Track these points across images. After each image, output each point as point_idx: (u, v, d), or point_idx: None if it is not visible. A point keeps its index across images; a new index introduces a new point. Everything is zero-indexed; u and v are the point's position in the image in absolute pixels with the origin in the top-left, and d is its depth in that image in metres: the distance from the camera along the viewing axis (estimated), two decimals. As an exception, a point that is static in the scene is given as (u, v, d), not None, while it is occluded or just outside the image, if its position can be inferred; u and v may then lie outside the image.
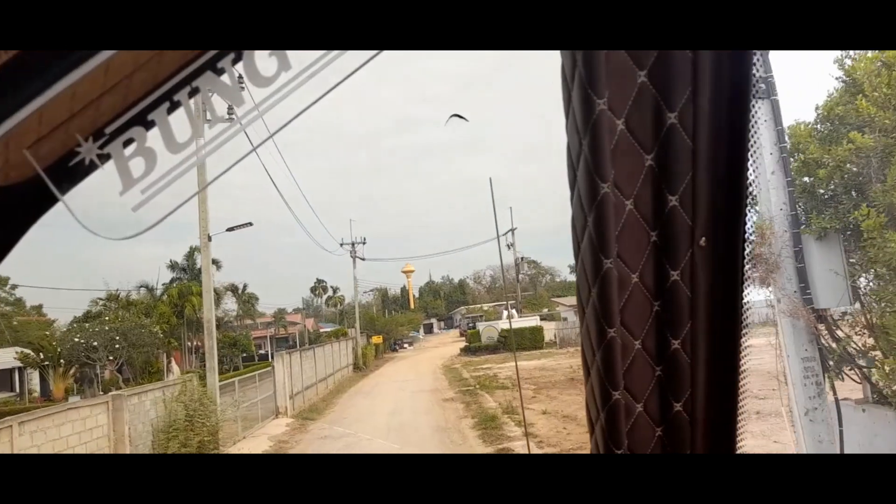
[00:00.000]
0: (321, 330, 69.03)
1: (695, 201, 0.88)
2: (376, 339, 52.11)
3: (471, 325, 61.16)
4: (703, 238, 0.88)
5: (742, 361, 0.95)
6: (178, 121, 0.83)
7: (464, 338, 55.99)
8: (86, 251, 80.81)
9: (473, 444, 14.16)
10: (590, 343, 0.96)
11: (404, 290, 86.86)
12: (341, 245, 44.18)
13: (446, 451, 14.32)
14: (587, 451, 1.05)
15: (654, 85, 0.87)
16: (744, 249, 0.90)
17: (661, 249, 0.91)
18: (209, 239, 15.03)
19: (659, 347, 0.93)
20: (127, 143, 0.81)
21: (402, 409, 21.76)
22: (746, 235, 0.91)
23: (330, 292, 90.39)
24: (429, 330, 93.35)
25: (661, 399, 0.95)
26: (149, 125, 0.82)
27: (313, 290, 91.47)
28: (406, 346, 63.88)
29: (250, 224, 17.29)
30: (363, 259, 45.13)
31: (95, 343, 32.22)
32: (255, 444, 17.50)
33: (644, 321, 0.93)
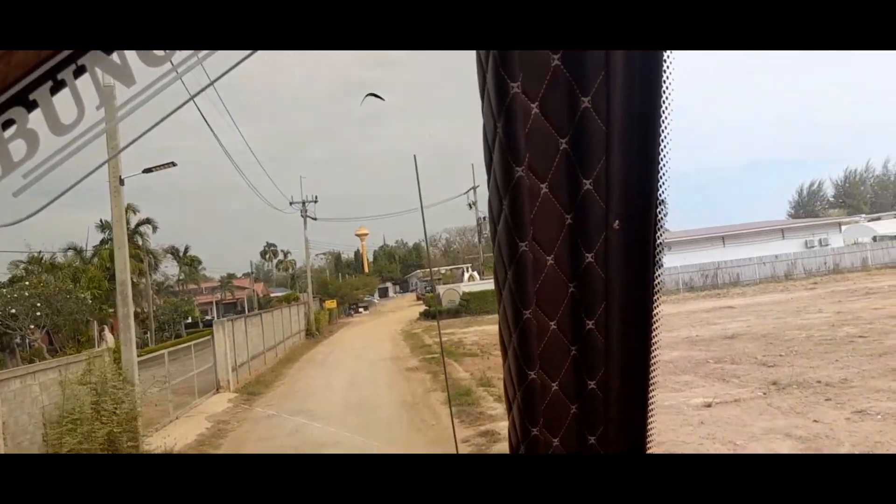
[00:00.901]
0: (272, 295, 66.13)
1: (609, 185, 0.89)
2: (330, 304, 49.51)
3: (429, 288, 59.06)
4: (617, 221, 0.89)
5: (654, 340, 0.98)
6: (64, 102, 0.80)
7: (421, 301, 53.92)
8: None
9: (449, 425, 11.96)
10: (507, 324, 0.99)
11: (358, 254, 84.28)
12: (291, 204, 41.13)
13: (417, 433, 12.10)
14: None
15: (567, 69, 0.87)
16: (656, 232, 0.92)
17: (576, 232, 0.92)
18: (121, 183, 12.25)
19: (574, 328, 0.96)
20: (6, 124, 0.81)
21: (360, 380, 19.42)
22: (659, 218, 0.92)
23: (281, 256, 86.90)
24: (384, 294, 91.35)
25: (576, 377, 0.98)
26: (31, 106, 0.82)
27: (263, 254, 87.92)
28: (361, 310, 61.55)
29: (173, 164, 14.51)
30: (314, 219, 42.17)
31: (14, 310, 28.97)
32: (189, 426, 14.93)
33: (559, 303, 0.95)
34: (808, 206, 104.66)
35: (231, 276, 65.52)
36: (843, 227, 43.67)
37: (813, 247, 41.40)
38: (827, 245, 41.37)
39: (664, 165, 0.90)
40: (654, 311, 0.97)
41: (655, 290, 0.96)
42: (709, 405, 11.07)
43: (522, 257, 0.93)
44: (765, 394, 11.44)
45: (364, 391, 17.32)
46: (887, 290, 26.77)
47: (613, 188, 0.89)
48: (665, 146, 0.91)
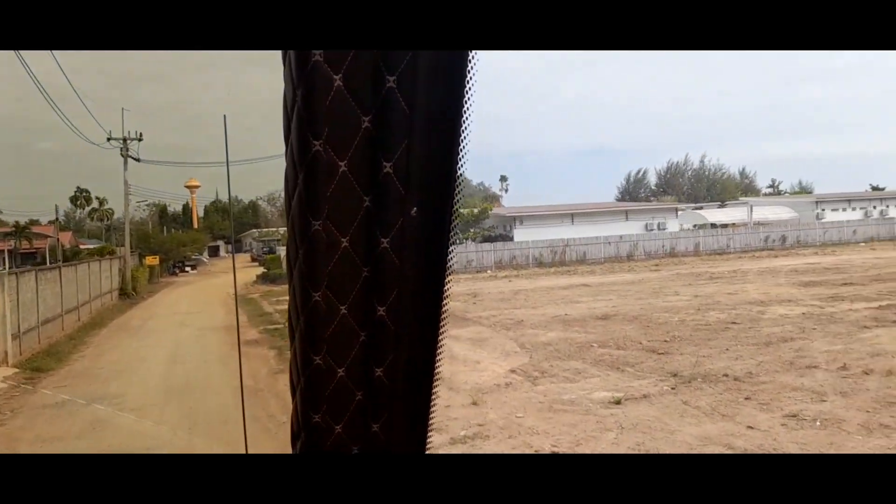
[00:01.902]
0: (82, 247, 57.93)
1: (409, 170, 0.88)
2: (151, 261, 43.79)
3: (267, 249, 54.68)
4: (415, 209, 0.88)
5: (442, 329, 0.97)
6: None
7: (258, 263, 49.63)
8: None
9: (305, 423, 9.41)
10: (295, 306, 0.96)
11: (187, 208, 76.67)
12: (109, 140, 35.05)
13: (265, 434, 9.39)
14: None
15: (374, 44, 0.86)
16: (451, 222, 0.92)
17: (373, 216, 0.90)
18: None
19: (365, 313, 0.94)
20: None
21: (185, 354, 16.06)
22: (456, 209, 0.92)
23: (95, 204, 76.73)
24: (214, 253, 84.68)
25: (364, 364, 0.96)
26: None
27: (74, 199, 77.10)
28: (188, 269, 55.74)
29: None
30: (138, 160, 36.33)
31: None
32: (-63, 417, 10.96)
33: (351, 287, 0.93)
34: (633, 193, 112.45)
35: (33, 223, 56.50)
36: (679, 213, 46.09)
37: (652, 230, 43.15)
38: (665, 229, 43.31)
39: (464, 154, 0.90)
40: (444, 301, 0.97)
41: (447, 280, 0.95)
42: (618, 402, 9.52)
43: (315, 236, 0.90)
44: (673, 388, 10.14)
45: (191, 370, 14.10)
46: (728, 275, 27.82)
47: (414, 174, 0.88)
48: (466, 135, 0.89)
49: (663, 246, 40.47)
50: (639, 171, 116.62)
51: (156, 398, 11.66)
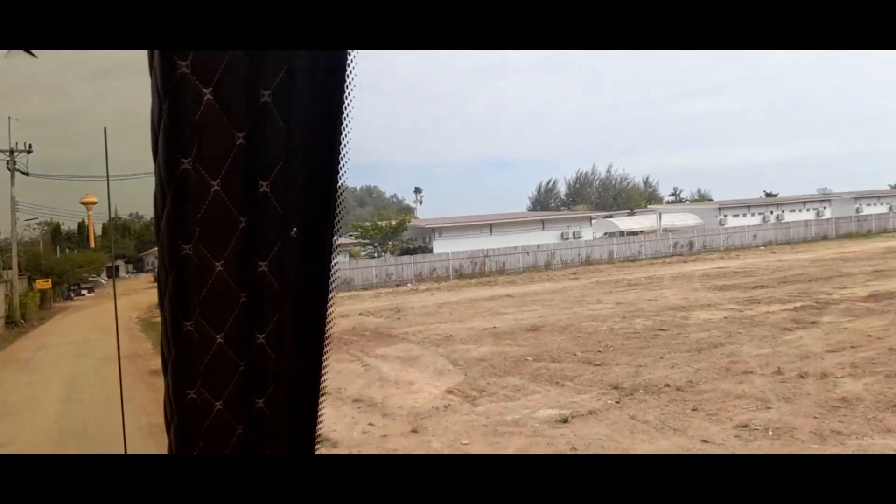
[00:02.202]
0: (-40, 271, 52.83)
1: (287, 188, 0.85)
2: (42, 284, 40.30)
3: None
4: (295, 229, 0.86)
5: (325, 354, 0.94)
6: None
7: (164, 283, 46.77)
8: None
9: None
10: (167, 336, 0.92)
11: (83, 226, 71.87)
12: (-10, 153, 31.95)
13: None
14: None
15: (247, 56, 0.81)
16: (333, 243, 0.89)
17: (250, 238, 0.86)
18: None
19: (243, 341, 0.90)
20: None
21: (83, 391, 14.48)
22: (337, 228, 0.90)
23: (-24, 224, 70.44)
24: (114, 274, 79.67)
25: (243, 395, 0.92)
26: None
27: (-49, 220, 70.53)
28: (85, 293, 52.00)
29: None
30: (26, 174, 33.27)
31: None
32: None
33: (228, 313, 0.88)
34: (544, 203, 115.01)
35: None
36: (593, 222, 47.08)
37: (568, 238, 43.81)
38: (580, 237, 44.08)
39: (344, 171, 0.87)
40: (327, 325, 0.93)
41: (329, 303, 0.92)
42: (565, 421, 9.07)
43: (185, 261, 0.85)
44: (617, 402, 9.81)
45: (89, 409, 12.61)
46: (645, 281, 28.38)
47: (292, 192, 0.85)
48: (346, 151, 0.87)
49: (579, 254, 41.10)
50: (549, 182, 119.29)
51: (47, 445, 10.24)
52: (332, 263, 0.91)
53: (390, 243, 41.97)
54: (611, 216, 58.83)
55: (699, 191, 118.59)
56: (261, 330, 0.89)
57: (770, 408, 8.89)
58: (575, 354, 13.55)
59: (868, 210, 56.33)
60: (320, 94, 0.83)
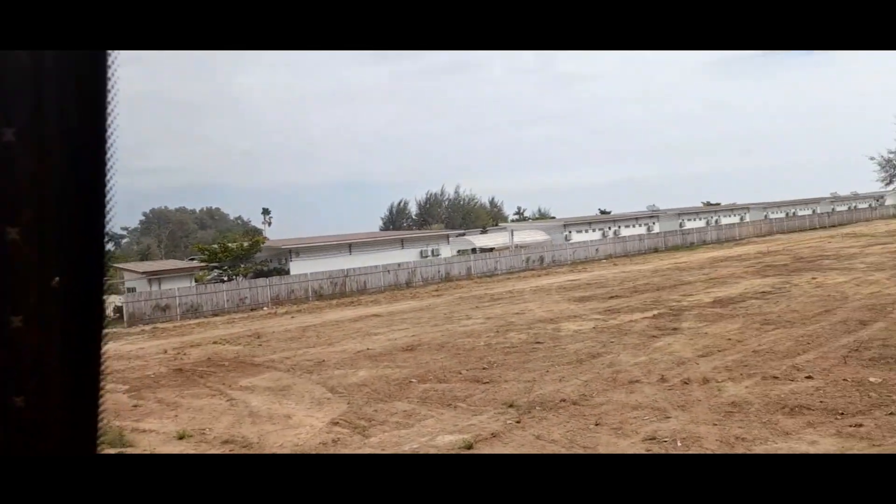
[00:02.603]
0: None
1: (44, 233, 0.77)
2: None
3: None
4: (57, 278, 0.79)
5: (100, 418, 0.87)
6: None
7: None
8: None
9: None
10: None
11: None
12: None
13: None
14: None
15: None
16: (104, 287, 0.82)
17: (2, 290, 0.78)
18: None
19: None
20: None
21: None
22: (106, 273, 0.82)
23: None
24: None
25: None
26: None
27: None
28: None
29: None
30: None
31: None
32: None
33: None
34: (396, 223, 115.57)
35: None
36: (450, 240, 47.56)
37: (427, 256, 43.84)
38: (439, 255, 44.28)
39: (110, 212, 0.80)
40: (101, 387, 0.86)
41: (103, 359, 0.84)
42: (470, 447, 8.52)
43: None
44: (518, 422, 9.43)
45: None
46: (507, 296, 28.86)
47: (50, 237, 0.77)
48: (112, 184, 0.79)
49: (439, 271, 41.24)
50: (400, 202, 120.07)
51: None
52: (104, 311, 0.82)
53: (242, 265, 39.52)
54: (463, 234, 59.99)
55: (539, 209, 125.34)
56: (19, 393, 0.80)
57: (669, 417, 8.93)
58: (460, 373, 13.11)
59: (689, 224, 62.17)
60: (78, 126, 0.75)
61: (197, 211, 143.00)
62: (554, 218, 78.89)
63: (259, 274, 38.61)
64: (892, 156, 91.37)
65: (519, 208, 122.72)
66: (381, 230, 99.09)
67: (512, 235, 50.52)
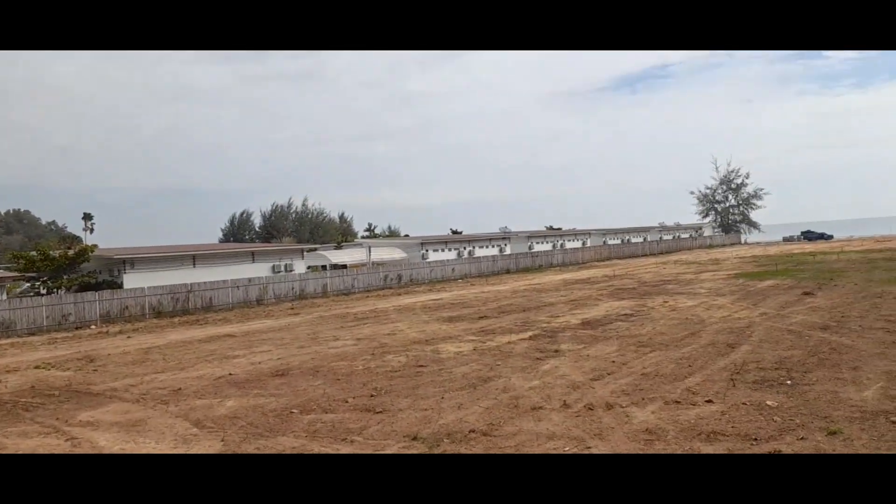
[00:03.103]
0: None
1: None
2: None
3: None
4: None
5: None
6: None
7: None
8: None
9: None
10: None
11: None
12: None
13: None
14: None
15: None
16: None
17: None
18: None
19: None
20: None
21: None
22: None
23: None
24: None
25: None
26: None
27: None
28: None
29: None
30: None
31: None
32: None
33: None
34: (238, 235, 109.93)
35: None
36: (306, 254, 45.44)
37: (280, 272, 41.50)
38: (292, 270, 42.08)
39: None
40: None
41: None
42: (384, 489, 7.44)
43: None
44: (430, 457, 8.50)
45: None
46: (372, 315, 27.77)
47: None
48: None
49: (293, 288, 39.13)
50: (243, 213, 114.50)
51: None
52: None
53: (66, 277, 34.86)
54: (314, 249, 57.92)
55: (390, 227, 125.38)
56: None
57: (589, 447, 8.47)
58: (345, 401, 11.92)
59: (538, 247, 64.83)
60: None
61: (1, 213, 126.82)
62: (408, 236, 78.94)
63: (85, 287, 34.22)
64: (708, 191, 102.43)
65: (370, 225, 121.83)
66: (220, 242, 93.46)
67: (369, 252, 49.46)
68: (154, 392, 13.90)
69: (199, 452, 9.53)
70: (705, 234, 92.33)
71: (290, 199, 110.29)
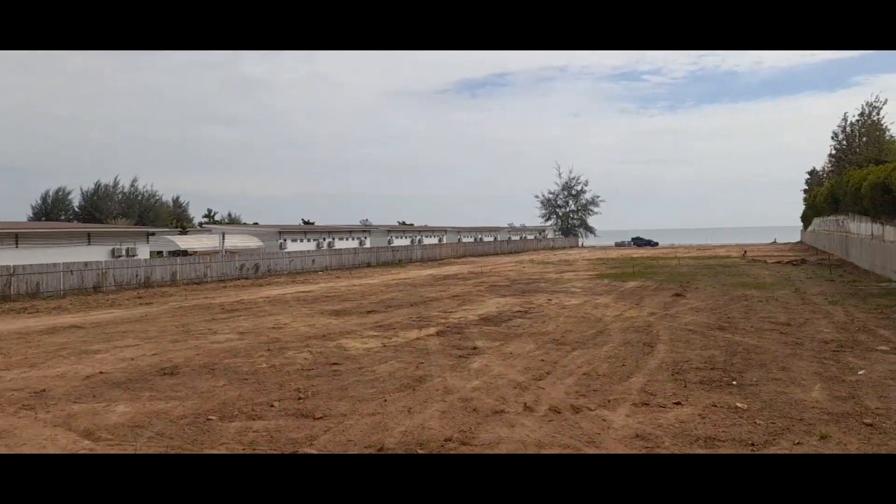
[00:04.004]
0: None
1: None
2: None
3: None
4: None
5: None
6: None
7: None
8: None
9: None
10: None
11: None
12: None
13: None
14: None
15: None
16: None
17: None
18: None
19: None
20: None
21: None
22: None
23: None
24: None
25: None
26: None
27: None
28: None
29: None
30: None
31: None
32: None
33: None
34: (51, 214, 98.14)
35: None
36: (151, 238, 40.92)
37: (120, 256, 37.01)
38: (135, 255, 37.70)
39: None
40: None
41: None
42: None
43: None
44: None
45: None
46: (242, 307, 25.40)
47: None
48: None
49: (137, 275, 34.99)
50: (59, 190, 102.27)
51: None
52: None
53: None
54: (159, 232, 52.67)
55: (230, 214, 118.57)
56: None
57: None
58: (271, 406, 10.25)
59: (397, 242, 64.13)
60: None
61: None
62: (257, 224, 74.61)
63: None
64: (551, 196, 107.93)
65: (209, 211, 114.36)
66: (29, 220, 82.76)
67: (223, 239, 45.77)
68: (12, 396, 11.18)
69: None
70: (549, 237, 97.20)
71: (115, 179, 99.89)
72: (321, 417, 9.55)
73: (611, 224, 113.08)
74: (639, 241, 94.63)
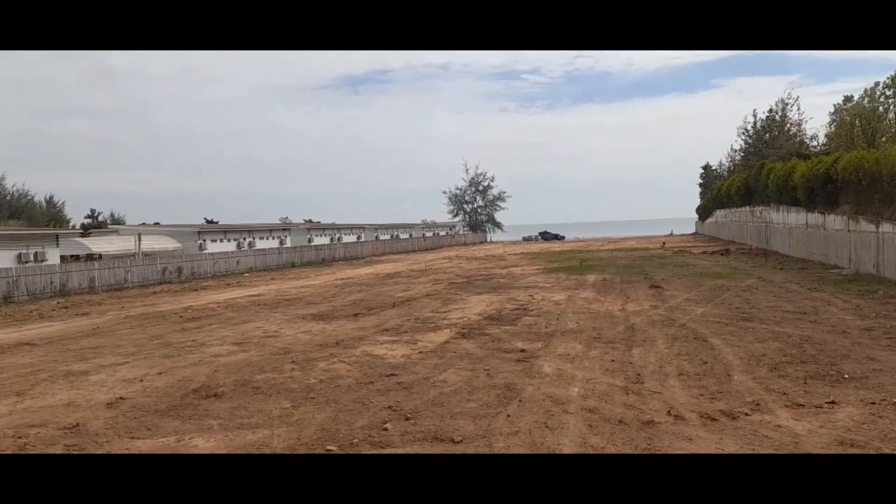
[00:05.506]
0: None
1: None
2: None
3: None
4: None
5: None
6: None
7: None
8: None
9: None
10: None
11: None
12: None
13: None
14: None
15: None
16: None
17: None
18: None
19: None
20: None
21: None
22: None
23: None
24: None
25: None
26: None
27: None
28: None
29: None
30: None
31: None
32: None
33: None
34: None
35: None
36: (60, 241, 36.40)
37: (28, 261, 32.69)
38: (44, 261, 33.44)
39: None
40: None
41: None
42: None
43: None
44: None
45: None
46: (206, 316, 22.96)
47: None
48: None
49: (52, 282, 31.01)
50: None
51: None
52: None
53: None
54: (60, 235, 47.32)
55: (113, 214, 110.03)
56: None
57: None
58: (385, 429, 8.81)
59: (317, 240, 61.56)
60: None
61: None
62: (125, 224, 69.03)
63: None
64: (458, 192, 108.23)
65: (93, 211, 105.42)
66: None
67: (139, 240, 41.71)
68: (34, 434, 8.98)
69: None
70: (460, 233, 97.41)
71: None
72: (461, 441, 8.27)
73: (509, 219, 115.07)
74: (546, 236, 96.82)
